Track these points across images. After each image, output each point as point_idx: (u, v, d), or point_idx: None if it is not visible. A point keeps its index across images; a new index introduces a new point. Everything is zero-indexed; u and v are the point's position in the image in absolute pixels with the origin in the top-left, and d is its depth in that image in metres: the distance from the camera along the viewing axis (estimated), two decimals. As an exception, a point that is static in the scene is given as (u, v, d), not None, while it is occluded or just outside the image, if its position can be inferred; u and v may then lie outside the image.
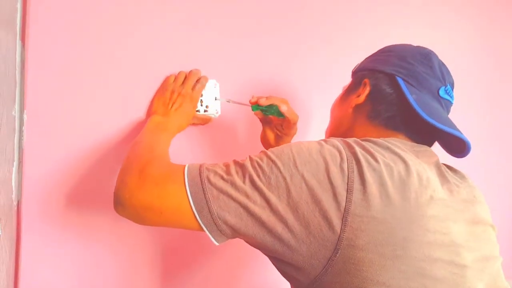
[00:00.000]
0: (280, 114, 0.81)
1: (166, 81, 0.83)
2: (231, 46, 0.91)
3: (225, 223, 0.55)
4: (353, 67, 0.78)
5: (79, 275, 0.79)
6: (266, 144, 0.89)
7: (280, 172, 0.55)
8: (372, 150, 0.57)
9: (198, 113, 0.83)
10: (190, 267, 0.89)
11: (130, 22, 0.80)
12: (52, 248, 0.76)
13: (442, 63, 0.70)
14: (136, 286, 0.85)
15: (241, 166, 0.57)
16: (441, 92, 0.68)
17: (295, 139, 0.87)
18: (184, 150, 0.88)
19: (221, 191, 0.55)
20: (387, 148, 0.59)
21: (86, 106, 0.77)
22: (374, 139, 0.61)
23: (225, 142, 0.93)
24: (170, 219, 0.57)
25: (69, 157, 0.76)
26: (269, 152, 0.58)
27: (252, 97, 0.81)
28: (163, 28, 0.84)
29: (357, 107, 0.70)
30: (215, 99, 0.85)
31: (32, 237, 0.74)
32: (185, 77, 0.82)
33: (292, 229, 0.53)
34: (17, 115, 0.69)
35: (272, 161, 0.56)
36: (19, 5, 0.69)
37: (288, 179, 0.54)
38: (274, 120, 0.86)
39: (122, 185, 0.59)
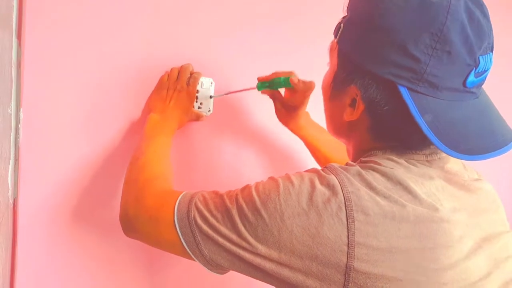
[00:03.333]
0: (288, 84, 0.75)
1: (160, 80, 0.82)
2: (228, 44, 0.91)
3: (219, 265, 0.52)
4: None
5: (75, 274, 0.79)
6: (282, 118, 0.83)
7: (266, 225, 0.48)
8: (378, 187, 0.48)
9: (192, 109, 0.83)
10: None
11: (126, 20, 0.80)
12: (49, 246, 0.76)
13: (469, 18, 0.46)
14: (131, 283, 0.85)
15: (227, 210, 0.51)
16: (470, 81, 0.48)
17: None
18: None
19: (208, 236, 0.51)
20: (398, 183, 0.49)
21: (83, 104, 0.77)
22: (381, 168, 0.50)
23: (216, 140, 0.92)
24: (169, 251, 0.57)
25: (65, 155, 0.76)
26: (255, 194, 0.50)
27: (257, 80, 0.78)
28: (160, 27, 0.83)
29: (353, 121, 0.56)
30: (210, 97, 0.85)
31: (28, 235, 0.74)
32: (178, 73, 0.82)
33: (289, 277, 0.48)
34: (13, 113, 0.69)
35: (257, 210, 0.49)
36: (15, 3, 0.68)
37: (275, 233, 0.47)
38: (285, 94, 0.80)
39: (123, 214, 0.63)
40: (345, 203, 0.46)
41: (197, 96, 0.83)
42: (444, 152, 0.47)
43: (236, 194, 0.52)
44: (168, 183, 0.65)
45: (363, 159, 0.54)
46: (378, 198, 0.47)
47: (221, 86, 0.88)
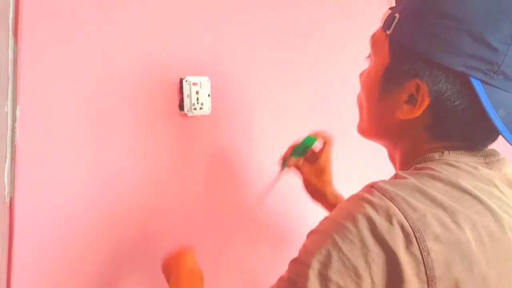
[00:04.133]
0: (312, 139, 0.75)
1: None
2: (222, 40, 0.91)
3: None
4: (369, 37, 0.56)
5: (72, 273, 0.79)
6: (310, 188, 0.78)
7: (343, 285, 0.41)
8: (445, 201, 0.42)
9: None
10: None
11: (123, 18, 0.80)
12: (45, 245, 0.76)
13: None
14: (130, 280, 0.85)
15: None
16: None
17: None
18: (178, 147, 0.87)
19: None
20: (465, 191, 0.43)
21: (80, 103, 0.77)
22: (443, 176, 0.44)
23: (220, 139, 0.93)
24: None
25: (62, 154, 0.76)
26: (313, 267, 0.42)
27: (280, 160, 0.73)
28: (157, 24, 0.83)
29: (408, 120, 0.50)
30: (208, 95, 0.85)
31: (25, 234, 0.74)
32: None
33: None
34: (9, 111, 0.69)
35: (327, 278, 0.41)
36: (11, 0, 0.68)
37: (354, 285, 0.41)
38: (308, 158, 0.76)
39: None
40: (414, 235, 0.40)
41: (197, 98, 0.83)
42: None
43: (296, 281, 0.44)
44: None
45: (418, 165, 0.49)
46: (447, 220, 0.41)
47: (217, 82, 0.88)
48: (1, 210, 0.68)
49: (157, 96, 0.84)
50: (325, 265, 0.41)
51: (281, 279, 0.47)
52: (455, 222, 0.41)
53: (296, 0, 1.01)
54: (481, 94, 0.44)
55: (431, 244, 0.40)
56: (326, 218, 0.46)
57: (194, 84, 0.84)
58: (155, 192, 0.85)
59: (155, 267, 0.78)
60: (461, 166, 0.47)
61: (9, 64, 0.67)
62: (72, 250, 0.78)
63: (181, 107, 0.86)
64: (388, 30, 0.52)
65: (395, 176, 0.47)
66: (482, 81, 0.44)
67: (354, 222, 0.42)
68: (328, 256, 0.42)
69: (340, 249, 0.41)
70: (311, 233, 0.47)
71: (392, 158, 0.58)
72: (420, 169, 0.48)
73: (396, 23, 0.50)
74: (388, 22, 0.52)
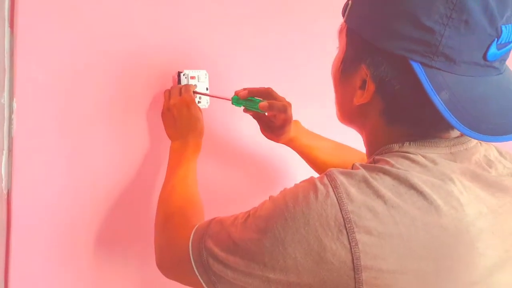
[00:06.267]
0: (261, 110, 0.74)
1: (163, 109, 0.81)
2: (220, 34, 0.91)
3: None
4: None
5: (69, 265, 0.79)
6: (269, 136, 0.81)
7: (271, 253, 0.46)
8: (387, 194, 0.43)
9: (200, 114, 0.83)
10: None
11: (121, 11, 0.79)
12: (43, 237, 0.76)
13: None
14: (129, 278, 0.85)
15: (234, 244, 0.49)
16: (491, 54, 0.43)
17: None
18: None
19: (222, 274, 0.50)
20: (412, 187, 0.44)
21: (77, 95, 0.76)
22: (393, 171, 0.45)
23: (218, 133, 0.93)
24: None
25: (59, 145, 0.76)
26: (255, 223, 0.48)
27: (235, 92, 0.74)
28: (155, 19, 0.83)
29: (364, 104, 0.51)
30: (206, 89, 0.85)
31: (22, 226, 0.74)
32: (169, 93, 0.80)
33: None
34: (6, 103, 0.68)
35: (260, 240, 0.46)
36: (7, -10, 0.67)
37: (281, 260, 0.45)
38: (268, 113, 0.75)
39: (156, 262, 0.64)
40: (345, 226, 0.42)
41: (195, 91, 0.83)
42: (463, 133, 0.43)
43: (241, 224, 0.50)
44: (186, 217, 0.64)
45: (376, 157, 0.50)
46: (384, 213, 0.42)
47: (215, 77, 0.88)
48: (-1, 202, 0.68)
49: (155, 90, 0.84)
50: (264, 230, 0.46)
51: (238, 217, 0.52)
52: (392, 216, 0.42)
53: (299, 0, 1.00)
54: (421, 76, 0.43)
55: (360, 236, 0.42)
56: (282, 192, 0.50)
57: (192, 77, 0.84)
58: (153, 184, 0.85)
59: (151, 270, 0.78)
60: (417, 159, 0.47)
61: (6, 55, 0.67)
62: (69, 242, 0.78)
63: (179, 100, 0.85)
64: (343, 18, 0.53)
65: (352, 167, 0.48)
66: (422, 64, 0.44)
67: (294, 202, 0.45)
68: (267, 222, 0.46)
69: (275, 222, 0.45)
70: (269, 200, 0.50)
71: (364, 143, 0.58)
72: (377, 161, 0.49)
73: (348, 10, 0.52)
74: (344, 9, 0.53)
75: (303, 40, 1.03)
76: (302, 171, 0.84)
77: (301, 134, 0.83)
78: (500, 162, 0.52)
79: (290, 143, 0.83)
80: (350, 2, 0.52)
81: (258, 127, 0.82)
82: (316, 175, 0.52)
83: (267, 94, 0.75)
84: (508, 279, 0.46)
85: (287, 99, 0.77)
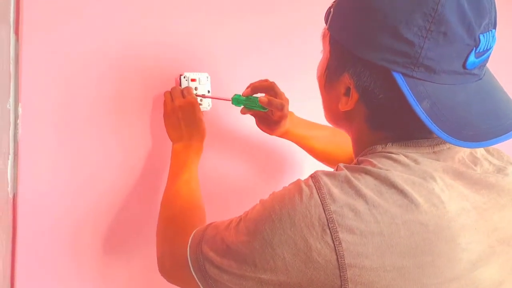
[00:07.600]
0: (264, 107, 0.75)
1: (164, 108, 0.82)
2: (222, 37, 0.91)
3: None
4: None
5: (75, 268, 0.79)
6: (265, 130, 0.83)
7: (261, 254, 0.47)
8: (368, 194, 0.44)
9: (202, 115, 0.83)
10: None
11: (124, 15, 0.80)
12: (48, 240, 0.76)
13: None
14: (128, 277, 0.86)
15: (227, 247, 0.51)
16: (470, 62, 0.44)
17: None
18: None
19: (218, 278, 0.51)
20: (393, 186, 0.45)
21: (82, 99, 0.77)
22: (375, 171, 0.46)
23: (219, 136, 0.93)
24: None
25: (64, 150, 0.76)
26: (246, 227, 0.49)
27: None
28: (156, 21, 0.84)
29: (349, 110, 0.52)
30: (208, 92, 0.85)
31: (28, 230, 0.74)
32: (170, 94, 0.81)
33: None
34: (11, 108, 0.69)
35: (250, 242, 0.48)
36: (12, -3, 0.68)
37: (271, 261, 0.46)
38: (260, 113, 0.78)
39: (157, 263, 0.65)
40: (328, 225, 0.43)
41: (196, 94, 0.83)
42: (445, 140, 0.44)
43: (233, 228, 0.52)
44: (187, 223, 0.65)
45: (360, 158, 0.52)
46: (365, 212, 0.44)
47: (217, 79, 0.89)
48: (4, 206, 0.68)
49: (156, 93, 0.85)
50: (253, 232, 0.48)
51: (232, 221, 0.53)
52: (373, 215, 0.43)
53: (299, 1, 1.01)
54: (403, 87, 0.44)
55: (343, 235, 0.43)
56: (271, 195, 0.51)
57: (193, 80, 0.85)
58: (157, 186, 0.85)
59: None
60: (399, 159, 0.48)
61: (11, 61, 0.68)
62: (75, 246, 0.79)
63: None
64: (326, 25, 0.54)
65: (336, 168, 0.50)
66: (404, 74, 0.45)
67: (281, 205, 0.47)
68: (256, 225, 0.48)
69: (264, 224, 0.47)
70: (259, 204, 0.51)
71: (352, 145, 0.59)
72: (361, 162, 0.50)
73: (330, 18, 0.52)
74: (326, 16, 0.54)
75: (304, 42, 1.03)
76: (305, 173, 0.85)
77: (296, 125, 0.84)
78: (486, 159, 0.53)
79: (285, 135, 0.84)
80: (332, 10, 0.53)
81: (258, 127, 0.83)
82: (320, 167, 0.52)
83: (270, 88, 0.76)
84: (492, 273, 0.47)
85: (292, 100, 0.78)
